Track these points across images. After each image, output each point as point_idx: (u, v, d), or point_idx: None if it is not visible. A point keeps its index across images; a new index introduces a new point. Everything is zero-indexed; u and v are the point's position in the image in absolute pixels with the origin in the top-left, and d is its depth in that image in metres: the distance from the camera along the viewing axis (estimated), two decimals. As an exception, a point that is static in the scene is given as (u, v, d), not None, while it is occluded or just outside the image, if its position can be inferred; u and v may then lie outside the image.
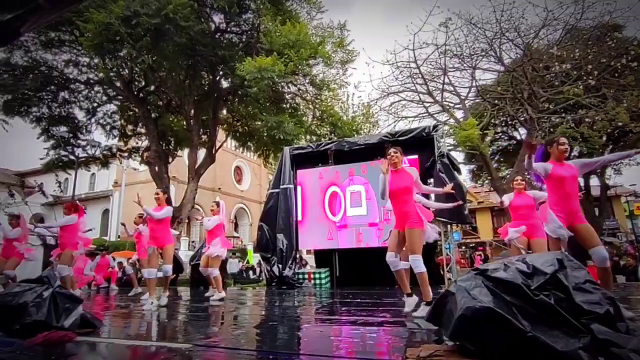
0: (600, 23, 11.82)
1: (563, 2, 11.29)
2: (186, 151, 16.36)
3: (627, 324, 1.77)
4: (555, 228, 3.30)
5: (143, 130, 16.16)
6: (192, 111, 14.86)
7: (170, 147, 16.59)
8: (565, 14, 11.58)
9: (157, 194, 5.30)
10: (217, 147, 15.77)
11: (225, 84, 15.07)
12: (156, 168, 14.90)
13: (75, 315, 3.16)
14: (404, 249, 3.86)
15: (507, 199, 4.80)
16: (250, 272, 17.06)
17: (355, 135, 12.66)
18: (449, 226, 7.79)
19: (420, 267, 3.58)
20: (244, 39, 13.80)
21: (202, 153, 15.76)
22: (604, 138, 12.48)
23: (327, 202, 8.32)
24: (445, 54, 12.78)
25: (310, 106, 14.21)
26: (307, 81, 13.45)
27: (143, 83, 14.71)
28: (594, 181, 18.54)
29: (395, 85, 13.97)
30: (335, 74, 13.20)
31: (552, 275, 1.88)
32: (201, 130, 15.69)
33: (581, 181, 18.21)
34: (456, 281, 2.11)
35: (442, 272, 8.39)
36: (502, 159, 18.88)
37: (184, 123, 15.40)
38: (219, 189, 28.92)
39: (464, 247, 26.17)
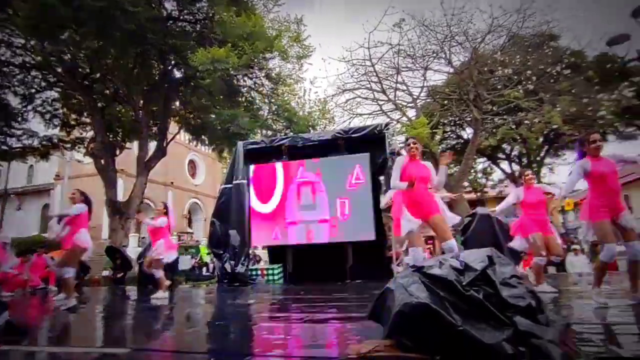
0: (539, 32, 12.70)
1: (507, 11, 12.01)
2: (135, 143, 15.57)
3: (547, 316, 1.91)
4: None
5: (88, 120, 15.15)
6: (142, 101, 14.15)
7: (118, 138, 15.71)
8: (508, 22, 12.33)
9: (73, 193, 4.94)
10: (168, 140, 15.15)
11: (177, 74, 14.49)
12: (102, 161, 14.07)
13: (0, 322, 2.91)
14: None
15: (517, 193, 4.65)
16: (204, 269, 16.62)
17: (312, 131, 12.71)
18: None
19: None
20: (197, 28, 13.31)
21: (152, 145, 15.08)
22: (541, 139, 13.48)
23: (280, 198, 8.28)
24: (398, 53, 13.15)
25: (266, 100, 14.05)
26: (262, 75, 13.29)
27: (88, 70, 13.75)
28: (532, 179, 19.93)
29: (350, 82, 14.18)
30: (292, 69, 13.14)
31: (482, 271, 2.00)
32: (151, 121, 14.99)
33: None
34: (395, 278, 2.19)
35: (391, 267, 8.65)
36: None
37: (133, 114, 14.62)
38: (172, 183, 27.83)
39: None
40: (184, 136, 21.11)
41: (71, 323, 3.97)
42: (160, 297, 5.49)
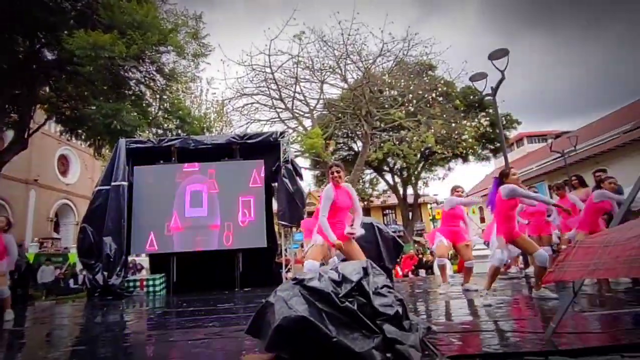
0: (420, 61, 14.35)
1: (395, 38, 13.29)
2: (-15, 131, 12.95)
3: (411, 321, 2.12)
4: None
5: None
6: (-3, 82, 11.83)
7: (-42, 123, 12.83)
8: (396, 48, 13.67)
9: None
10: (31, 131, 12.94)
11: (49, 55, 12.49)
12: None
13: None
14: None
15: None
16: (71, 281, 14.53)
17: (207, 133, 12.19)
18: (289, 228, 8.18)
19: None
20: (78, 7, 11.70)
21: (10, 135, 12.69)
22: (418, 156, 15.14)
23: (165, 203, 7.72)
24: (298, 64, 13.49)
25: (157, 96, 13.01)
26: (154, 69, 12.28)
27: None
28: (410, 190, 22.29)
29: (249, 87, 14.06)
30: (187, 66, 12.43)
31: (357, 282, 2.13)
32: (9, 106, 12.62)
33: (400, 190, 21.69)
34: (276, 291, 2.20)
35: (281, 273, 8.74)
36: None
37: (-18, 95, 12.11)
38: (35, 180, 23.73)
39: (304, 247, 27.96)
40: (54, 128, 18.27)
41: None
42: (11, 317, 4.63)
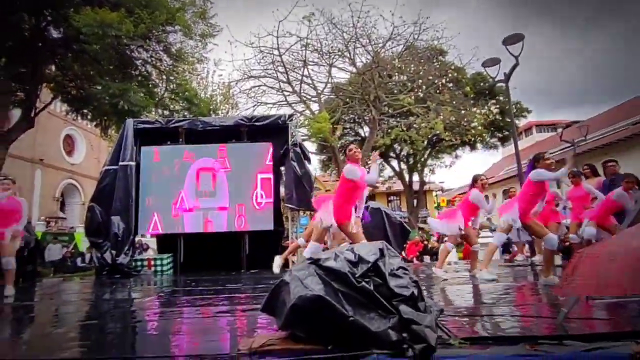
0: (430, 46, 14.09)
1: (406, 22, 13.03)
2: (-8, 110, 12.89)
3: (426, 303, 2.11)
4: None
5: None
6: (3, 59, 11.75)
7: (-34, 102, 12.80)
8: (406, 32, 13.40)
9: None
10: (37, 110, 12.91)
11: (55, 33, 12.36)
12: (-61, 126, 11.36)
13: None
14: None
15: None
16: (78, 259, 14.72)
17: (213, 115, 12.11)
18: (296, 212, 8.18)
19: None
20: (84, -17, 11.51)
21: (17, 114, 12.68)
22: (425, 142, 15.02)
23: (173, 183, 7.72)
24: (306, 47, 13.28)
25: (164, 77, 12.90)
26: (161, 48, 12.15)
27: None
28: (415, 177, 22.21)
29: (257, 69, 13.90)
30: (194, 47, 12.28)
31: (374, 263, 2.11)
32: (15, 85, 12.56)
33: (406, 177, 21.64)
34: (291, 270, 2.19)
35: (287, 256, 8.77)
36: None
37: (-11, 74, 12.04)
38: (41, 160, 23.82)
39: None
40: (60, 107, 18.23)
41: None
42: (10, 294, 4.66)
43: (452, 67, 14.15)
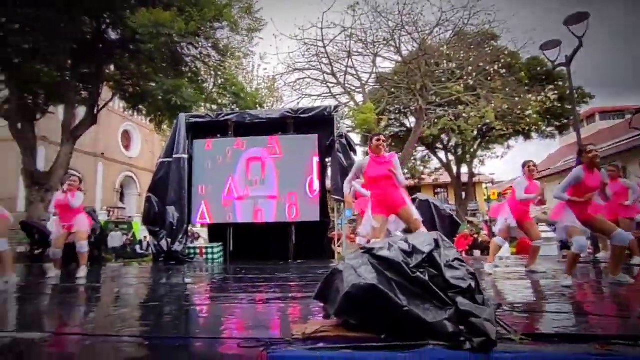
0: (481, 30, 13.39)
1: (455, 7, 12.47)
2: (61, 108, 14.02)
3: (484, 296, 2.03)
4: None
5: (2, 78, 13.30)
6: (69, 61, 12.71)
7: (40, 101, 14.01)
8: (455, 17, 12.84)
9: None
10: (100, 107, 13.87)
11: (113, 35, 13.18)
12: (19, 125, 12.52)
13: None
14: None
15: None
16: (137, 247, 15.76)
17: (258, 108, 12.37)
18: (341, 204, 8.17)
19: None
20: (139, -14, 12.14)
21: (82, 111, 13.70)
22: (475, 132, 14.39)
23: (224, 175, 7.99)
24: (351, 37, 13.15)
25: (212, 73, 13.35)
26: (209, 45, 12.56)
27: (4, 19, 11.98)
28: (464, 169, 21.38)
29: (301, 62, 13.97)
30: (241, 42, 12.57)
31: (429, 254, 2.07)
32: (81, 85, 13.56)
33: (454, 168, 20.92)
34: (345, 259, 2.19)
35: (333, 247, 8.82)
36: (393, 144, 20.50)
37: (59, 75, 13.09)
38: (102, 154, 25.68)
39: (354, 223, 28.06)
40: (118, 104, 19.46)
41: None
42: (83, 274, 5.16)
43: (505, 52, 13.36)
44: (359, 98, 14.25)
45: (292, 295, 3.47)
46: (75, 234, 5.38)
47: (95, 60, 12.83)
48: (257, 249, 7.97)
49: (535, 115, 12.88)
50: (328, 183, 8.61)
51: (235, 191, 7.86)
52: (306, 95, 14.35)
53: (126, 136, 29.53)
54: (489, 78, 13.13)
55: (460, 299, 1.93)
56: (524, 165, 4.83)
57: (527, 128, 14.09)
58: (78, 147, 14.25)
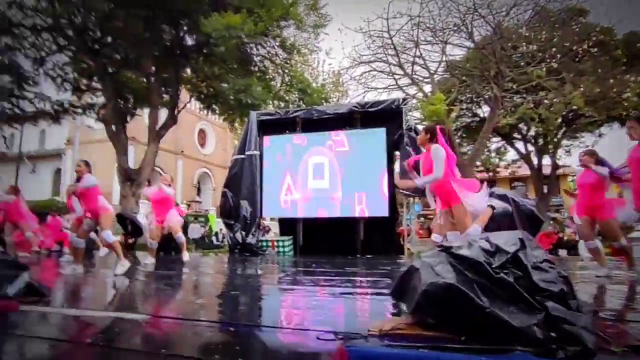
0: (567, 6, 12.08)
1: (535, -19, 11.39)
2: (146, 111, 15.46)
3: (578, 302, 1.86)
4: None
5: (99, 86, 15.01)
6: (153, 68, 13.95)
7: (129, 105, 15.59)
8: (536, -6, 11.71)
9: (79, 166, 5.00)
10: (179, 108, 15.04)
11: (189, 40, 14.18)
12: (113, 127, 14.04)
13: (20, 283, 2.95)
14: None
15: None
16: (214, 238, 16.88)
17: (324, 103, 12.49)
18: (410, 198, 7.99)
19: None
20: (211, -7, 12.90)
21: (163, 113, 14.98)
22: (559, 120, 13.09)
23: (292, 171, 8.23)
24: (418, 26, 12.67)
25: (280, 70, 13.76)
26: (277, 44, 12.95)
27: (99, 34, 13.51)
28: (546, 160, 19.57)
29: (366, 54, 13.79)
30: (307, 38, 12.76)
31: (514, 254, 1.94)
32: (163, 88, 14.83)
33: (534, 160, 19.27)
34: (421, 257, 2.14)
35: (402, 243, 8.67)
36: (464, 135, 19.43)
37: (144, 80, 14.44)
38: (182, 152, 27.88)
39: (423, 219, 27.19)
40: (194, 105, 20.92)
41: (86, 287, 4.04)
42: (186, 259, 5.92)
43: (597, 29, 11.90)
44: (428, 89, 13.72)
45: (364, 290, 3.48)
46: (170, 227, 5.95)
47: (174, 65, 13.91)
48: (325, 243, 8.12)
49: (634, 99, 11.31)
50: (397, 177, 8.45)
51: (304, 188, 8.05)
52: (372, 88, 14.17)
53: (202, 134, 31.66)
54: (577, 59, 11.82)
55: (551, 304, 1.78)
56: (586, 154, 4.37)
57: (624, 113, 12.44)
58: (161, 146, 15.59)
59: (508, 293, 1.85)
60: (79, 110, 16.14)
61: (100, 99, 15.61)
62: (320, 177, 7.99)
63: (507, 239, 2.04)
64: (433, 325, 1.99)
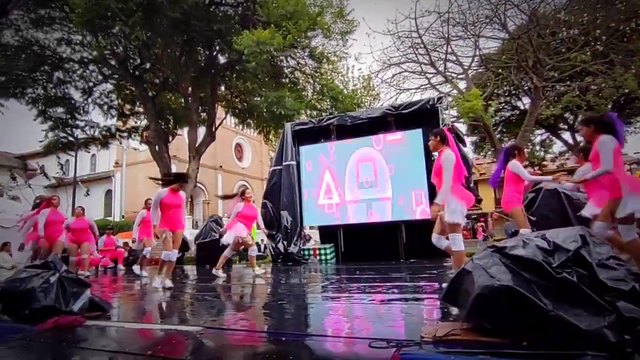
0: (609, -15, 11.35)
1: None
2: (186, 130, 16.14)
3: (653, 300, 1.71)
4: None
5: (141, 110, 15.88)
6: (190, 88, 14.57)
7: (170, 125, 16.35)
8: (573, -25, 11.12)
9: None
10: (216, 125, 15.57)
11: (222, 59, 14.71)
12: (156, 147, 14.75)
13: (83, 299, 3.14)
14: None
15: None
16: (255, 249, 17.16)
17: (357, 109, 12.45)
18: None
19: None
20: (239, 12, 13.33)
21: (202, 131, 15.56)
22: (610, 105, 12.25)
23: (333, 178, 8.23)
24: (448, 22, 12.38)
25: (310, 80, 13.92)
26: (306, 54, 13.12)
27: (138, 61, 14.34)
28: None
29: (396, 56, 13.66)
30: (335, 46, 12.84)
31: (575, 251, 1.82)
32: (200, 107, 15.43)
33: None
34: (473, 259, 2.05)
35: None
36: (504, 130, 18.65)
37: (182, 101, 15.11)
38: (221, 167, 28.80)
39: (466, 219, 26.26)
40: (230, 120, 21.57)
41: (143, 301, 4.22)
42: (259, 272, 6.28)
43: (647, 3, 11.06)
44: (462, 85, 13.34)
45: (411, 295, 3.39)
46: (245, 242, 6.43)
47: (210, 84, 14.45)
48: (367, 249, 8.01)
49: (692, 75, 10.39)
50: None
51: (348, 195, 8.01)
52: (404, 89, 13.97)
53: (238, 149, 32.57)
54: (625, 39, 11.03)
55: (622, 304, 1.65)
56: None
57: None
58: (201, 162, 16.18)
59: (572, 294, 1.74)
60: (125, 134, 17.17)
61: (143, 122, 16.51)
62: (369, 179, 7.89)
63: (566, 236, 1.91)
64: (490, 331, 1.90)
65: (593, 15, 10.83)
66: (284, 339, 2.18)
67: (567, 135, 18.31)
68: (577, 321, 1.64)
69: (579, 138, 18.14)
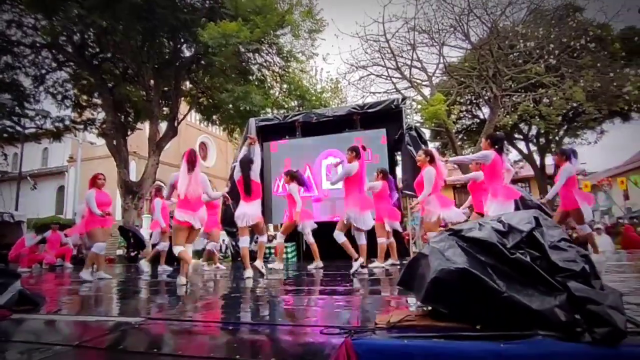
0: (562, 4, 12.07)
1: (529, -19, 11.40)
2: (147, 124, 15.47)
3: (601, 281, 1.72)
4: None
5: (99, 102, 15.05)
6: (152, 81, 13.98)
7: (130, 119, 15.61)
8: (530, -8, 11.72)
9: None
10: (179, 120, 15.03)
11: (187, 52, 14.23)
12: (114, 141, 14.02)
13: (11, 292, 2.84)
14: None
15: None
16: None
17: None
18: (414, 199, 7.82)
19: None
20: (207, 4, 12.98)
21: (164, 126, 14.97)
22: (561, 117, 12.98)
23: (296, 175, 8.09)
24: (414, 29, 12.67)
25: (278, 78, 13.76)
26: (273, 52, 12.97)
27: (97, 49, 13.60)
28: (549, 160, 19.38)
29: (364, 59, 13.78)
30: (303, 45, 12.78)
31: (528, 233, 1.81)
32: (162, 101, 14.84)
33: (537, 160, 19.12)
34: (430, 243, 2.01)
35: (407, 246, 8.48)
36: (465, 137, 19.32)
37: (143, 93, 14.47)
38: (183, 165, 27.87)
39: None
40: (194, 117, 20.96)
41: (85, 295, 3.91)
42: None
43: (594, 24, 11.86)
44: (426, 91, 13.66)
45: (371, 287, 3.34)
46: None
47: (174, 77, 13.94)
48: (329, 248, 7.91)
49: (635, 92, 11.19)
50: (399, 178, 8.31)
51: (313, 192, 7.88)
52: (371, 92, 14.13)
53: (203, 147, 31.68)
54: (575, 55, 11.75)
55: (573, 284, 1.65)
56: None
57: (625, 108, 12.33)
58: (163, 160, 15.55)
59: (525, 275, 1.72)
60: (80, 126, 16.17)
61: (100, 115, 15.64)
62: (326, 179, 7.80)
63: (520, 218, 1.91)
64: (446, 315, 1.86)
65: (548, 30, 11.46)
66: (231, 327, 2.04)
67: (522, 145, 19.27)
68: (529, 302, 1.63)
69: (532, 148, 19.16)
